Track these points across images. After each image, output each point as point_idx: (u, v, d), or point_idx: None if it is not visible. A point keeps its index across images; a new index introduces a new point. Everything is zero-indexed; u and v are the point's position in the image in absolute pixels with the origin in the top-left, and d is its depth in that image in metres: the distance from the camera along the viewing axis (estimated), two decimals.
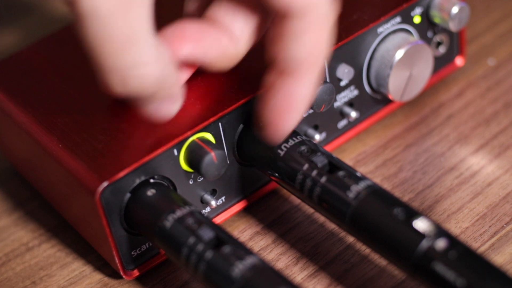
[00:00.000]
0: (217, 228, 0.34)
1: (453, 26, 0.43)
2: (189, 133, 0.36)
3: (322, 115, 0.42)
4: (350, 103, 0.43)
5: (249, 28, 0.35)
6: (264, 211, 0.41)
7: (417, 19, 0.43)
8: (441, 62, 0.46)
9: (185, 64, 0.36)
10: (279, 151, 0.37)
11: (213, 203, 0.39)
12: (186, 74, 0.37)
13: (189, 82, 0.39)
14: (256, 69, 0.39)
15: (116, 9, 0.29)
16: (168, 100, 0.34)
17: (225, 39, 0.35)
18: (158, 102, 0.33)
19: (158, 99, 0.33)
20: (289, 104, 0.33)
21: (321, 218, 0.40)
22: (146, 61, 0.30)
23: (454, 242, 0.32)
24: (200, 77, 0.39)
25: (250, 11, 0.35)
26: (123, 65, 0.30)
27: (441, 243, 0.31)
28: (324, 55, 0.33)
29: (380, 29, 0.42)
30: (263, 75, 0.38)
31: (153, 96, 0.32)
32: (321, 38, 0.32)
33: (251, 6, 0.34)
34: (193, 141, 0.37)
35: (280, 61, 0.33)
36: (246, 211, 0.41)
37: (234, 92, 0.38)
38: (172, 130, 0.36)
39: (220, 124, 0.38)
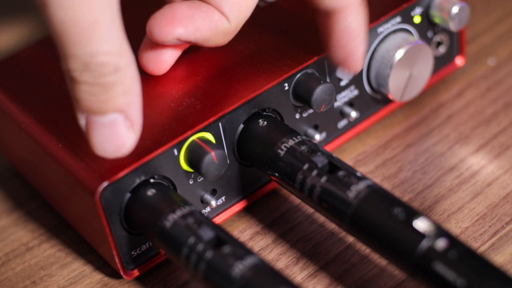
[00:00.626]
0: (217, 228, 0.34)
1: (453, 26, 0.43)
2: (189, 133, 0.36)
3: (322, 115, 0.42)
4: (350, 103, 0.43)
5: (237, 3, 0.37)
6: (264, 211, 0.41)
7: (417, 19, 0.43)
8: (441, 62, 0.46)
9: (176, 44, 0.38)
10: (279, 151, 0.37)
11: (213, 203, 0.39)
12: (177, 52, 0.39)
13: (189, 82, 0.39)
14: (254, 70, 0.39)
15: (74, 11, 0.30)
16: (126, 122, 0.33)
17: (216, 14, 0.37)
18: (115, 110, 0.32)
19: (116, 103, 0.32)
20: (350, 35, 0.37)
21: (321, 218, 0.40)
22: (106, 50, 0.31)
23: (454, 242, 0.32)
24: (200, 77, 0.39)
25: None
26: (83, 52, 0.31)
27: (441, 243, 0.31)
28: None
29: (380, 29, 0.42)
30: (262, 76, 0.38)
31: (112, 91, 0.32)
32: None
33: None
34: (193, 141, 0.37)
35: (327, 8, 0.36)
36: (246, 211, 0.41)
37: (234, 92, 0.38)
38: (172, 130, 0.36)
39: (220, 124, 0.38)
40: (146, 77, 0.39)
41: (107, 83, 0.31)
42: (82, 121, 0.33)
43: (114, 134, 0.33)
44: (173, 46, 0.39)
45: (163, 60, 0.39)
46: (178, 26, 0.37)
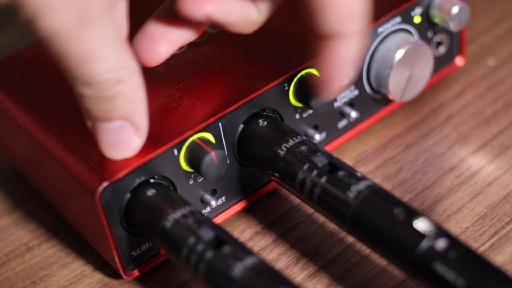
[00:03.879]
0: (217, 228, 0.34)
1: (453, 26, 0.43)
2: (189, 133, 0.36)
3: (322, 115, 0.42)
4: (350, 103, 0.43)
5: None
6: (264, 211, 0.41)
7: (417, 19, 0.43)
8: (441, 62, 0.46)
9: (199, 23, 0.37)
10: (279, 151, 0.37)
11: (213, 203, 0.39)
12: (173, 47, 0.37)
13: (189, 81, 0.39)
14: (254, 71, 0.39)
15: (74, 30, 0.30)
16: (131, 127, 0.34)
17: (248, 2, 0.36)
18: (121, 115, 0.34)
19: (120, 112, 0.33)
20: (344, 60, 0.35)
21: (321, 218, 0.40)
22: (105, 70, 0.31)
23: (454, 242, 0.32)
24: (200, 77, 0.39)
25: None
26: (83, 74, 0.31)
27: (441, 243, 0.31)
28: (360, 12, 0.34)
29: (380, 29, 0.42)
30: (262, 76, 0.38)
31: (115, 102, 0.33)
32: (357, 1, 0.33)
33: None
34: (193, 141, 0.37)
35: (325, 30, 0.34)
36: (246, 211, 0.41)
37: (234, 92, 0.38)
38: (172, 130, 0.36)
39: (220, 124, 0.38)
40: (146, 77, 0.39)
41: (109, 96, 0.32)
42: (89, 124, 0.34)
43: (120, 139, 0.34)
44: (194, 27, 0.37)
45: (159, 52, 0.37)
46: (211, 3, 0.35)
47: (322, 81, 0.36)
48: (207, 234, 0.33)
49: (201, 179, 0.38)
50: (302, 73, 0.39)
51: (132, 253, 0.37)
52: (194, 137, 0.37)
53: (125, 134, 0.34)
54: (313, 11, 0.33)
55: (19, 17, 0.30)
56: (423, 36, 0.44)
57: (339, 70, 0.35)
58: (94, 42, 0.31)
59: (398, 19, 0.42)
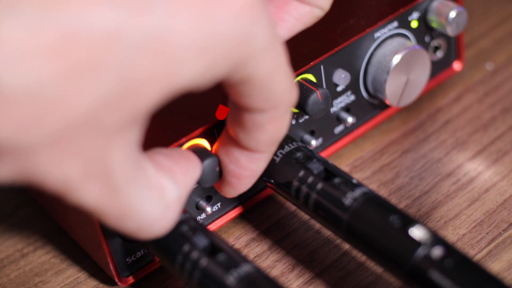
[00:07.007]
0: (212, 235, 0.34)
1: (450, 31, 0.43)
2: (184, 139, 0.36)
3: (318, 120, 0.41)
4: (347, 109, 0.42)
5: None
6: (259, 217, 0.41)
7: (414, 24, 0.43)
8: (438, 67, 0.46)
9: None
10: (275, 157, 0.37)
11: (208, 209, 0.38)
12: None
13: None
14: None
15: (104, 199, 0.28)
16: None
17: (306, 8, 0.34)
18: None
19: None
20: (246, 174, 0.34)
21: (317, 224, 0.40)
22: (152, 222, 0.30)
23: (450, 250, 0.31)
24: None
25: None
26: (130, 229, 0.30)
27: (437, 251, 0.31)
28: (282, 137, 0.33)
29: (377, 34, 0.41)
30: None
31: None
32: (282, 126, 0.32)
33: None
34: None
35: (240, 142, 0.33)
36: (241, 218, 0.41)
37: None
38: (168, 135, 0.36)
39: (215, 131, 0.37)
40: None
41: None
42: None
43: None
44: None
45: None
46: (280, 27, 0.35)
47: (225, 182, 0.35)
48: (202, 241, 0.33)
49: (196, 185, 0.38)
50: (298, 78, 0.39)
51: (127, 259, 0.37)
52: (191, 143, 0.36)
53: None
54: (241, 124, 0.32)
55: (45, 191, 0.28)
56: (420, 41, 0.43)
57: (247, 179, 0.35)
58: (129, 201, 0.29)
59: (395, 23, 0.42)
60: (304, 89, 0.38)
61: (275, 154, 0.37)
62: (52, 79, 0.24)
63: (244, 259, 0.32)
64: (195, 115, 0.37)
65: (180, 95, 0.28)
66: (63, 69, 0.24)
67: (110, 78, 0.25)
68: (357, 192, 0.34)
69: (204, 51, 0.26)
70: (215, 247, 0.33)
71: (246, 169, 0.34)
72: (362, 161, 0.44)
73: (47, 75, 0.24)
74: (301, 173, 0.36)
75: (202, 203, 0.38)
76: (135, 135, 0.27)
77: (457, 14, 0.42)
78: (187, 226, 0.34)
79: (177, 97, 0.28)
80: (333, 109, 0.42)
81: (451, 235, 0.39)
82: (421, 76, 0.43)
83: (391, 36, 0.42)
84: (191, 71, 0.27)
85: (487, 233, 0.39)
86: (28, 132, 0.24)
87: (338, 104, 0.42)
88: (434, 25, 0.43)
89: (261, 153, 0.33)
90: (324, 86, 0.40)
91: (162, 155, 0.32)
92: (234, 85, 0.29)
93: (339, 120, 0.42)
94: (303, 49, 0.40)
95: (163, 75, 0.26)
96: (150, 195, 0.29)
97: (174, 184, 0.31)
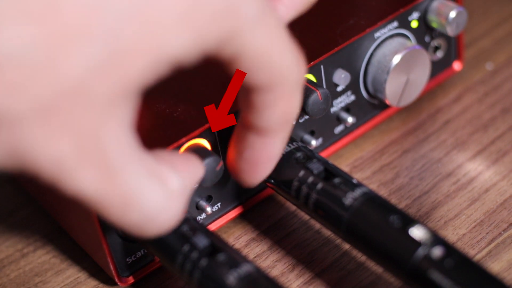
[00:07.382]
0: (212, 235, 0.34)
1: (450, 31, 0.43)
2: (184, 139, 0.36)
3: (318, 120, 0.41)
4: (347, 109, 0.42)
5: None
6: (260, 217, 0.41)
7: (414, 24, 0.43)
8: (438, 67, 0.46)
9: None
10: None
11: (208, 209, 0.38)
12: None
13: (176, 90, 0.39)
14: None
15: (101, 185, 0.27)
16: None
17: None
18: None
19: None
20: (262, 158, 0.33)
21: (317, 224, 0.40)
22: (156, 213, 0.29)
23: (450, 250, 0.31)
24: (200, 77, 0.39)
25: None
26: (134, 223, 0.29)
27: (437, 251, 0.31)
28: (295, 116, 0.32)
29: (377, 34, 0.41)
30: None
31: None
32: (292, 104, 0.31)
33: None
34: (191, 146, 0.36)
35: (252, 125, 0.32)
36: (241, 218, 0.41)
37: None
38: (167, 135, 0.36)
39: (216, 133, 0.37)
40: None
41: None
42: None
43: None
44: None
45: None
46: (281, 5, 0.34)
47: (242, 170, 0.34)
48: (202, 241, 0.33)
49: (196, 185, 0.38)
50: None
51: (127, 259, 0.37)
52: (190, 143, 0.36)
53: None
54: (251, 105, 0.31)
55: (40, 182, 0.27)
56: (420, 41, 0.43)
57: (266, 164, 0.33)
58: (129, 187, 0.28)
59: (395, 23, 0.42)
60: (304, 89, 0.38)
61: None
62: (37, 44, 0.23)
63: (244, 259, 0.32)
64: (195, 115, 0.37)
65: (172, 73, 0.27)
66: (47, 33, 0.24)
67: (96, 45, 0.24)
68: (357, 192, 0.34)
69: (191, 19, 0.26)
70: (215, 247, 0.33)
71: (262, 153, 0.33)
72: (362, 161, 0.44)
73: (31, 39, 0.23)
74: (301, 173, 0.36)
75: (202, 203, 0.38)
76: (127, 113, 0.26)
77: (457, 14, 0.42)
78: (187, 226, 0.34)
79: (171, 75, 0.27)
80: (333, 109, 0.42)
81: (451, 235, 0.39)
82: (421, 76, 0.43)
83: (391, 36, 0.42)
84: (178, 41, 0.26)
85: (487, 233, 0.39)
86: (14, 99, 0.24)
87: (338, 104, 0.42)
88: (434, 25, 0.43)
89: (275, 132, 0.32)
90: (324, 86, 0.40)
91: (161, 151, 0.31)
92: (230, 61, 0.29)
93: (339, 120, 0.42)
94: (303, 49, 0.40)
95: (150, 44, 0.25)
96: (151, 182, 0.28)
97: (175, 174, 0.30)
